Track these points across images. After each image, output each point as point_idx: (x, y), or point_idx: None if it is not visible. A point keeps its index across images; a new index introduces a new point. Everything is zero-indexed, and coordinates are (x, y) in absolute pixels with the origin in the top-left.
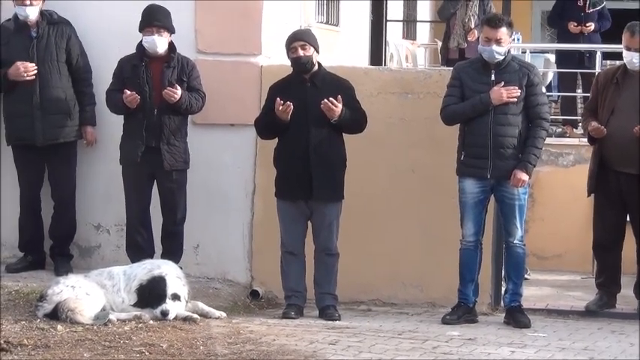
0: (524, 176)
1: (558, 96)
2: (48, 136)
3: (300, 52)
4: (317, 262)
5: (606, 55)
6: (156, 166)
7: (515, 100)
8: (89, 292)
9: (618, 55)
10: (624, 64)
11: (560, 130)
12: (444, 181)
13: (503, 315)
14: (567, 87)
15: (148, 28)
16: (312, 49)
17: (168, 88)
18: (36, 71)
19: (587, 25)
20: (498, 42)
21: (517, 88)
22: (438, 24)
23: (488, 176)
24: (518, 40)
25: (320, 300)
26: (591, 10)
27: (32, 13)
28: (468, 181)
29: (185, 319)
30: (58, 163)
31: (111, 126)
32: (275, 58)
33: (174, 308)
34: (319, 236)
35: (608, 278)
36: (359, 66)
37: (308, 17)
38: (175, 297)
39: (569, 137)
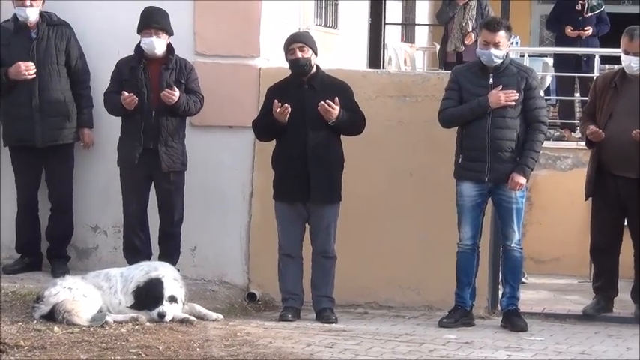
0: (522, 180)
1: (556, 100)
2: (47, 137)
3: (299, 55)
4: (314, 264)
5: (604, 59)
6: (153, 167)
7: (513, 103)
8: (86, 294)
9: (616, 59)
10: (622, 68)
11: (558, 133)
12: (441, 184)
13: (500, 318)
14: (565, 91)
15: (146, 29)
16: (310, 51)
17: (167, 90)
18: (35, 71)
19: (585, 29)
20: (497, 45)
21: (515, 91)
22: (436, 27)
23: (486, 179)
24: (516, 43)
25: (317, 302)
26: (589, 15)
27: (32, 15)
28: (465, 185)
29: (182, 321)
30: (55, 164)
31: (109, 128)
32: (273, 61)
33: (171, 310)
34: (317, 239)
35: (605, 282)
36: (357, 69)
37: (307, 20)
38: (172, 299)
39: (567, 141)
